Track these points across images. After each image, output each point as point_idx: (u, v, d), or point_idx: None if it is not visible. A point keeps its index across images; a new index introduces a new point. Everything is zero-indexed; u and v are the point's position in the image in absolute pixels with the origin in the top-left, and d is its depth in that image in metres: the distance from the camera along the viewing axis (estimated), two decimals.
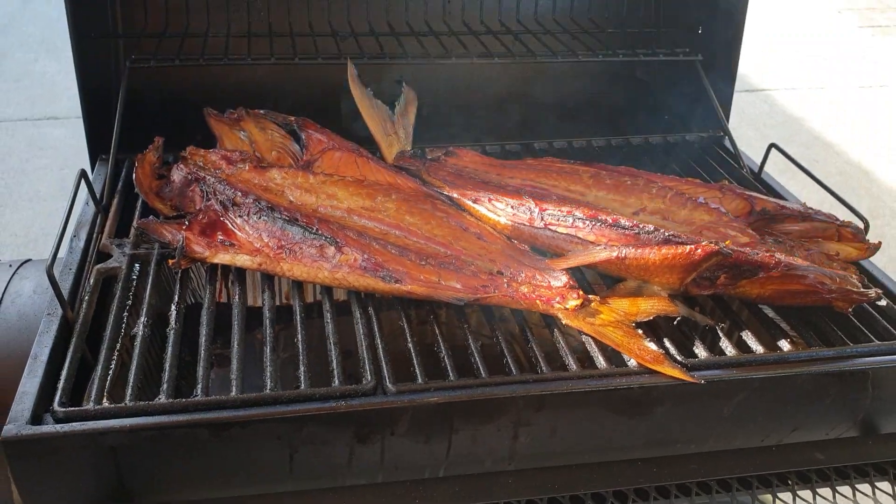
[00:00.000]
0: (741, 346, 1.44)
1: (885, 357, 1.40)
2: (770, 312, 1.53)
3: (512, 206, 1.68)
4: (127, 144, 1.84)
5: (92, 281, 1.48)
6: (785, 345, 1.43)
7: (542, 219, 1.63)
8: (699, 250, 1.41)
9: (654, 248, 1.45)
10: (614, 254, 1.48)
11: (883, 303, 1.53)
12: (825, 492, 1.42)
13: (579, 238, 1.57)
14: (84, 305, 1.42)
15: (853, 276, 1.49)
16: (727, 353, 1.41)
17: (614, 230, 1.57)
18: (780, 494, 1.41)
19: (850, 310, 1.48)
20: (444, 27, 2.15)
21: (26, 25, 6.96)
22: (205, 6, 2.06)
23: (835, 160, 5.56)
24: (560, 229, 1.60)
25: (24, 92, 5.87)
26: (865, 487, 1.43)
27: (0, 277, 1.58)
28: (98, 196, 1.73)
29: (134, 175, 1.71)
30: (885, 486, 1.44)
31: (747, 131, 5.90)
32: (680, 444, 1.41)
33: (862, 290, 1.46)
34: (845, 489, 1.43)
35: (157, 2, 2.05)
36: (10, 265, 1.63)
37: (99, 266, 1.52)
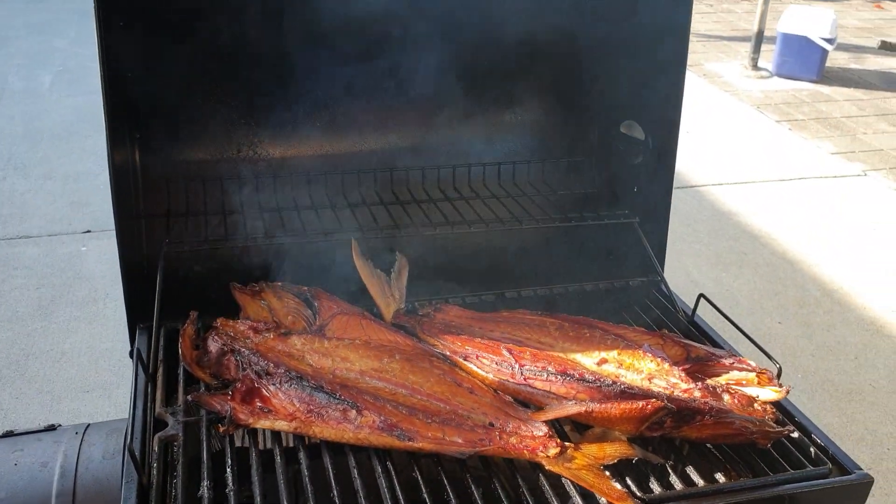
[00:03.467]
0: (685, 478, 1.82)
1: (798, 483, 1.79)
2: (709, 447, 1.91)
3: (496, 363, 2.05)
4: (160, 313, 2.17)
5: (156, 448, 1.79)
6: (720, 476, 1.81)
7: (521, 374, 2.01)
8: (649, 406, 1.79)
9: (615, 403, 1.83)
10: (583, 408, 1.85)
11: (795, 435, 1.93)
12: None
13: (554, 394, 1.94)
14: (154, 471, 1.73)
15: (770, 416, 1.89)
16: (675, 486, 1.78)
17: (580, 384, 1.95)
18: None
19: (769, 445, 1.87)
20: (425, 195, 2.55)
21: None
22: (220, 188, 2.42)
23: (761, 252, 6.06)
24: (537, 384, 1.98)
25: None
26: None
27: (72, 444, 1.87)
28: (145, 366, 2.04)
29: (179, 349, 2.03)
30: None
31: (679, 227, 6.39)
32: None
33: (778, 429, 1.86)
34: None
35: (177, 185, 2.40)
36: (77, 432, 1.93)
37: (159, 434, 1.83)
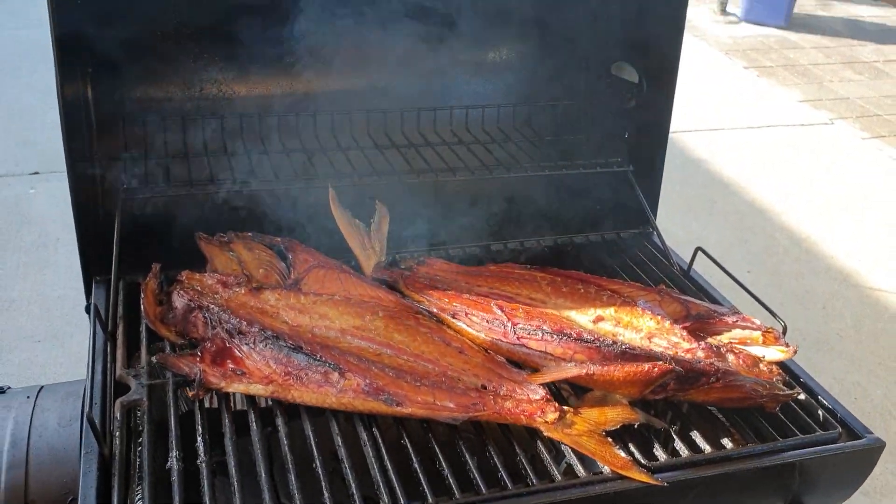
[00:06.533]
0: (691, 444, 1.71)
1: (808, 449, 1.70)
2: (713, 410, 1.81)
3: (487, 321, 1.90)
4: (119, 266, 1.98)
5: (118, 415, 1.62)
6: (727, 441, 1.71)
7: (514, 333, 1.87)
8: (656, 369, 1.67)
9: (618, 366, 1.71)
10: (584, 371, 1.73)
11: (802, 397, 1.83)
12: None
13: (550, 354, 1.81)
14: (116, 441, 1.57)
15: (777, 378, 1.78)
16: (681, 452, 1.67)
17: (578, 344, 1.82)
18: None
19: (777, 409, 1.77)
20: (404, 140, 2.37)
21: None
22: (180, 127, 2.22)
23: (731, 199, 6.01)
24: (532, 343, 1.84)
25: None
26: None
27: (23, 410, 1.70)
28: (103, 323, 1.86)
29: (141, 305, 1.86)
30: None
31: None
32: None
33: (787, 392, 1.75)
34: None
35: (134, 126, 2.18)
36: (28, 396, 1.75)
37: (121, 399, 1.66)
